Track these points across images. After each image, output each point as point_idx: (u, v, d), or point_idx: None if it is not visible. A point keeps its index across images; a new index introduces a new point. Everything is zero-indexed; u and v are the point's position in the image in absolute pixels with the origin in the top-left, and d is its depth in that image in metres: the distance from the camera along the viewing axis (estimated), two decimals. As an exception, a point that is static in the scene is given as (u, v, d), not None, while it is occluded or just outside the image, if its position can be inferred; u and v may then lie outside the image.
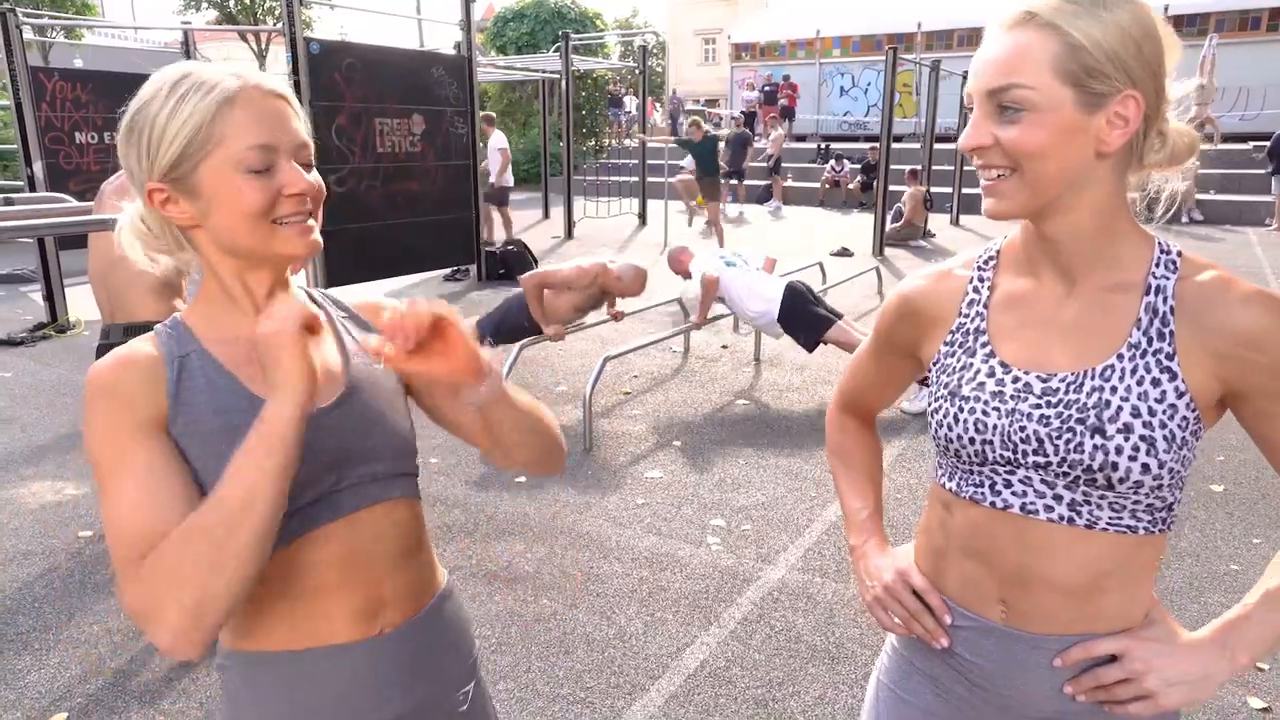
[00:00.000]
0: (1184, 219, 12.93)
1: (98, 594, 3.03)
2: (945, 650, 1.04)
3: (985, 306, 1.00)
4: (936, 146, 13.44)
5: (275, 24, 18.30)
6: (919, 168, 12.11)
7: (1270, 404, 0.90)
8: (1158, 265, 0.92)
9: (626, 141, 19.02)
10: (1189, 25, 17.75)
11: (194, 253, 0.98)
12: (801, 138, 20.54)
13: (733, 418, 4.80)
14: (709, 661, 2.64)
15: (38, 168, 7.12)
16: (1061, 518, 0.93)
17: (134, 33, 19.08)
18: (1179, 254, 0.93)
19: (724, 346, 6.26)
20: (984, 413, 0.96)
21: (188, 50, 9.02)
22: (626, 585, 3.07)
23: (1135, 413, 0.89)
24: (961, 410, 0.97)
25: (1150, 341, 0.90)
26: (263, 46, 20.87)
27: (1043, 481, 0.93)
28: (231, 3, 20.54)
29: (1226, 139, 15.19)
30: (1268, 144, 12.30)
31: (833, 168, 16.31)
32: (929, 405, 1.04)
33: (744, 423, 4.72)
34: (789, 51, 23.02)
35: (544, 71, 13.04)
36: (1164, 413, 0.89)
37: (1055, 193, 0.90)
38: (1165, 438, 0.88)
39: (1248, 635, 0.92)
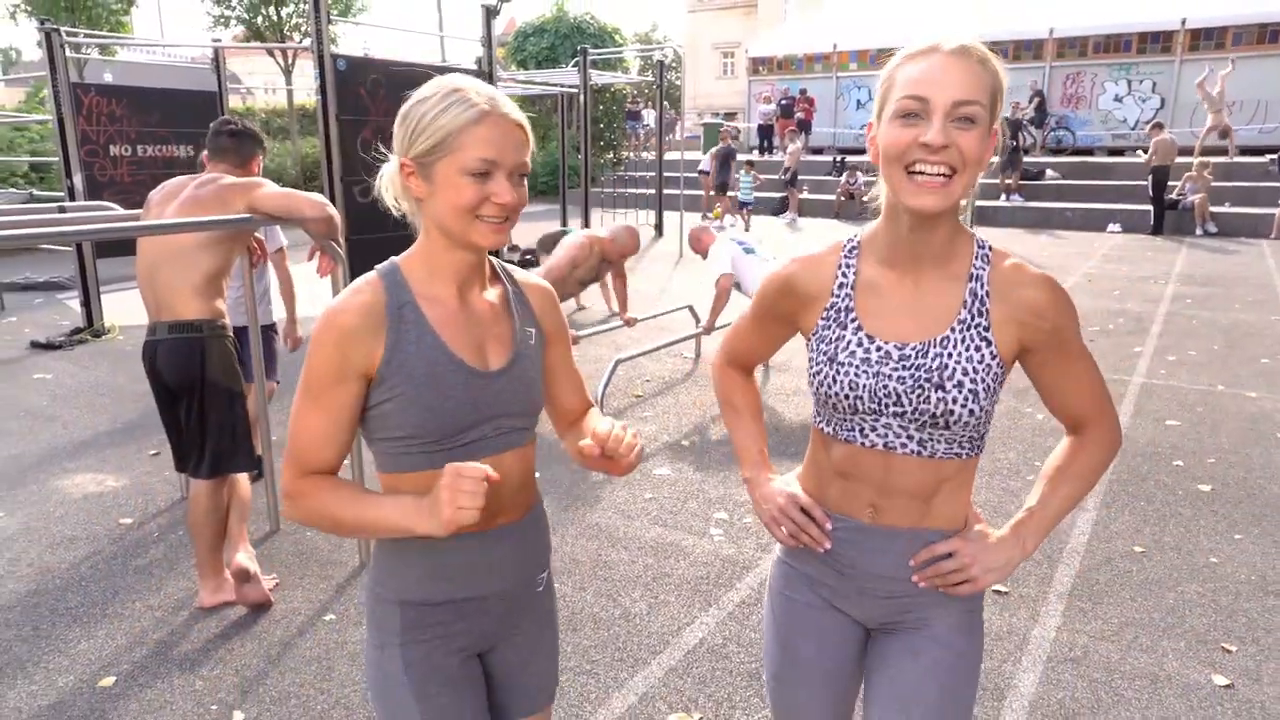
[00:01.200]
0: (1198, 230, 12.96)
1: (139, 575, 3.25)
2: (832, 559, 1.33)
3: (853, 289, 1.25)
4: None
5: (302, 40, 18.75)
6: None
7: (1048, 355, 1.22)
8: (977, 258, 1.21)
9: (644, 154, 19.28)
10: (1206, 39, 17.86)
11: (420, 216, 1.25)
12: (818, 150, 20.70)
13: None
14: (707, 639, 2.81)
15: (78, 179, 7.43)
16: (913, 451, 1.23)
17: (163, 49, 19.61)
18: (990, 248, 1.22)
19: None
20: (855, 375, 1.22)
21: (218, 66, 9.33)
22: (632, 571, 3.25)
23: (965, 373, 1.18)
24: (838, 373, 1.23)
25: (973, 318, 1.19)
26: (289, 62, 21.32)
27: (900, 426, 1.22)
28: (259, 20, 21.00)
29: (1244, 151, 15.25)
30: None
31: (847, 180, 16.46)
32: (810, 369, 1.29)
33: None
34: (806, 65, 23.20)
35: (563, 86, 13.31)
36: (983, 371, 1.18)
37: (966, 195, 1.12)
38: (984, 390, 1.18)
39: (1030, 529, 1.27)
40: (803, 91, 21.64)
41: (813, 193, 17.12)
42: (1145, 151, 13.20)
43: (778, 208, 16.48)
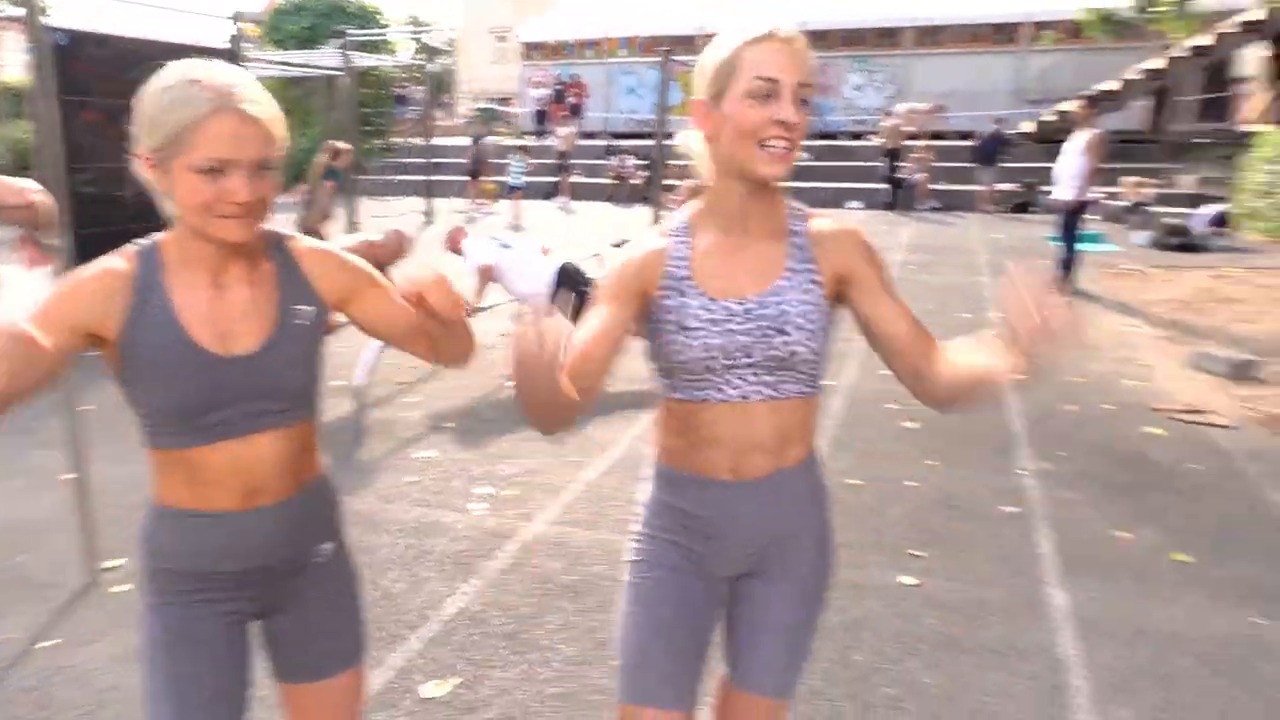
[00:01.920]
0: (924, 206, 14.58)
1: None
2: (685, 514, 1.41)
3: (688, 260, 1.35)
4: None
5: (12, 8, 16.45)
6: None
7: (866, 288, 1.36)
8: (792, 217, 1.36)
9: (415, 140, 18.78)
10: (930, 36, 19.97)
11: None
12: (591, 135, 21.09)
13: (507, 399, 5.08)
14: (467, 608, 2.90)
15: None
16: (768, 395, 1.34)
17: None
18: (800, 207, 1.39)
19: (502, 334, 6.51)
20: (708, 337, 1.31)
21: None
22: (394, 553, 3.27)
23: (800, 315, 1.31)
24: (690, 338, 1.31)
25: (800, 267, 1.34)
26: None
27: (753, 375, 1.32)
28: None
29: (964, 136, 17.30)
30: (976, 143, 14.21)
31: (618, 163, 16.93)
32: (657, 342, 1.36)
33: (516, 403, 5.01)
34: (578, 51, 23.51)
35: (324, 69, 12.66)
36: (815, 312, 1.33)
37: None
38: (820, 329, 1.34)
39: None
40: (574, 76, 21.92)
41: (586, 176, 17.47)
42: (879, 136, 14.62)
43: (550, 191, 16.67)
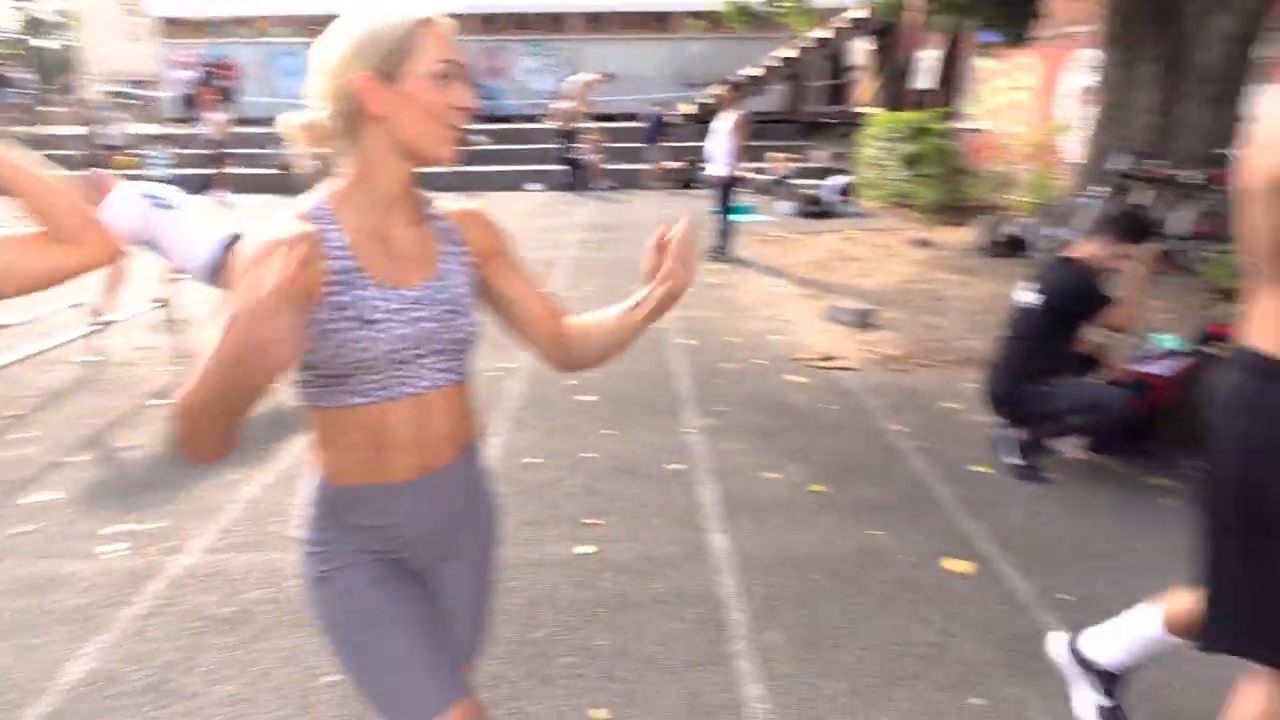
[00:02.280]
0: (600, 186, 15.18)
1: None
2: (374, 529, 1.35)
3: (348, 250, 1.24)
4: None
5: None
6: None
7: (503, 267, 1.42)
8: (428, 206, 1.36)
9: (14, 129, 15.93)
10: (598, 23, 20.78)
11: None
12: (252, 121, 19.32)
13: (151, 420, 4.48)
14: (98, 669, 2.50)
15: None
16: (450, 382, 1.34)
17: None
18: (433, 197, 1.38)
19: (140, 348, 5.74)
20: (395, 327, 1.25)
21: None
22: (2, 620, 2.74)
23: (466, 296, 1.34)
24: (378, 331, 1.23)
25: (453, 249, 1.35)
26: None
27: (435, 361, 1.31)
28: None
29: (631, 117, 18.23)
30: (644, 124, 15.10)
31: (278, 151, 15.68)
32: (331, 342, 1.21)
33: (163, 423, 4.44)
34: (228, 29, 21.35)
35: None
36: (472, 292, 1.37)
37: None
38: (476, 309, 1.37)
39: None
40: (223, 57, 19.90)
41: (245, 167, 15.98)
42: (550, 119, 14.94)
43: (204, 184, 15.03)
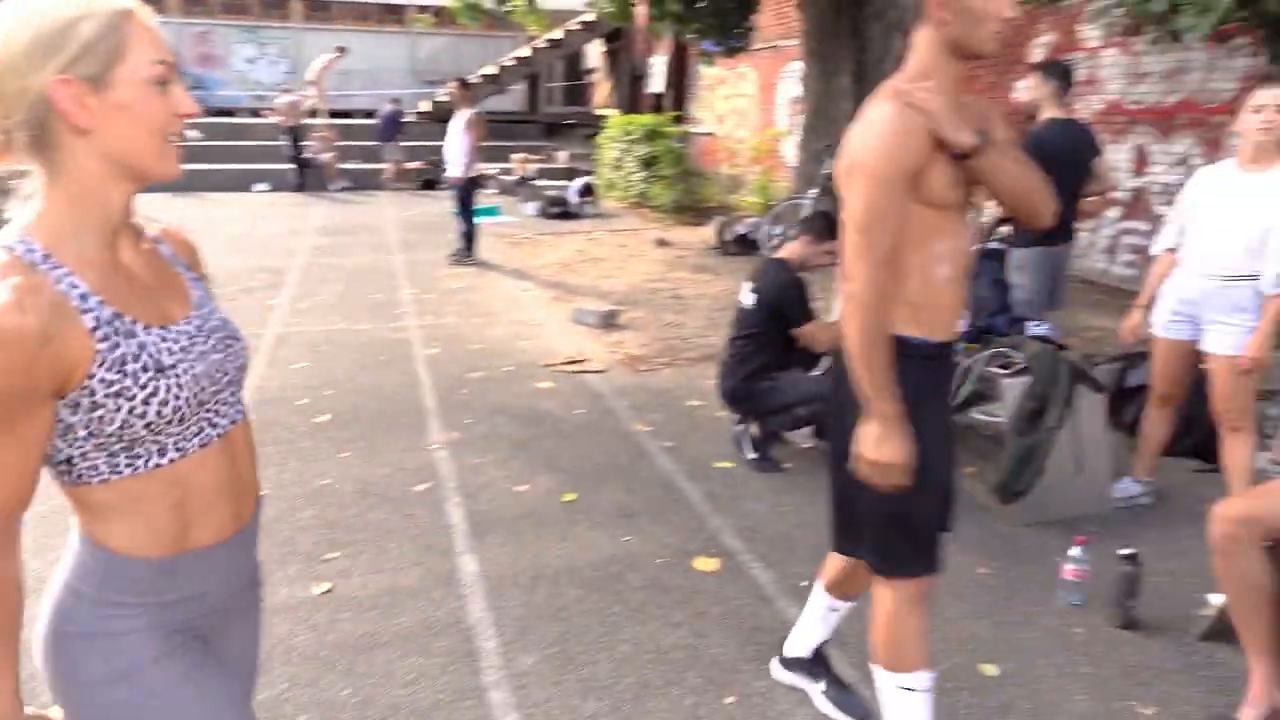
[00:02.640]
0: (332, 186, 14.29)
1: None
2: (187, 601, 1.15)
3: (96, 295, 1.02)
4: None
5: None
6: None
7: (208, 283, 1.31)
8: (143, 226, 1.17)
9: None
10: (321, 11, 19.52)
11: None
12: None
13: None
14: None
15: None
16: (241, 414, 1.22)
17: None
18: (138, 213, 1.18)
19: None
20: (191, 367, 1.10)
21: None
22: None
23: (228, 319, 1.22)
24: (179, 377, 1.07)
25: (189, 274, 1.21)
26: None
27: (229, 395, 1.18)
28: None
29: (369, 114, 17.32)
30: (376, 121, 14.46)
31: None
32: (125, 401, 1.02)
33: None
34: None
35: None
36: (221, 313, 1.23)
37: None
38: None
39: None
40: None
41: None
42: (275, 113, 13.83)
43: None
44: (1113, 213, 7.71)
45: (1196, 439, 3.91)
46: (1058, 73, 4.08)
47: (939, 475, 1.84)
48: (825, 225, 3.72)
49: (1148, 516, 3.44)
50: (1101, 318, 6.35)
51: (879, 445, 1.72)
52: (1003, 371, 3.22)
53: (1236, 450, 3.05)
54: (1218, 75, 6.77)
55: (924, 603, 1.90)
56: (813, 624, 2.31)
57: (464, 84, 8.04)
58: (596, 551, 3.15)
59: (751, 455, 3.88)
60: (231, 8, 19.17)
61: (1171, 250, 3.20)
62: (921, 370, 1.78)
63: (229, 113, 18.32)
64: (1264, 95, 2.82)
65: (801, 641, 2.35)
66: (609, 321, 6.18)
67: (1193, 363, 3.15)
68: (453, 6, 10.52)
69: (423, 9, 16.49)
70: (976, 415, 3.85)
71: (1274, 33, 4.58)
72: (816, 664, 2.35)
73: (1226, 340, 2.97)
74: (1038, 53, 8.44)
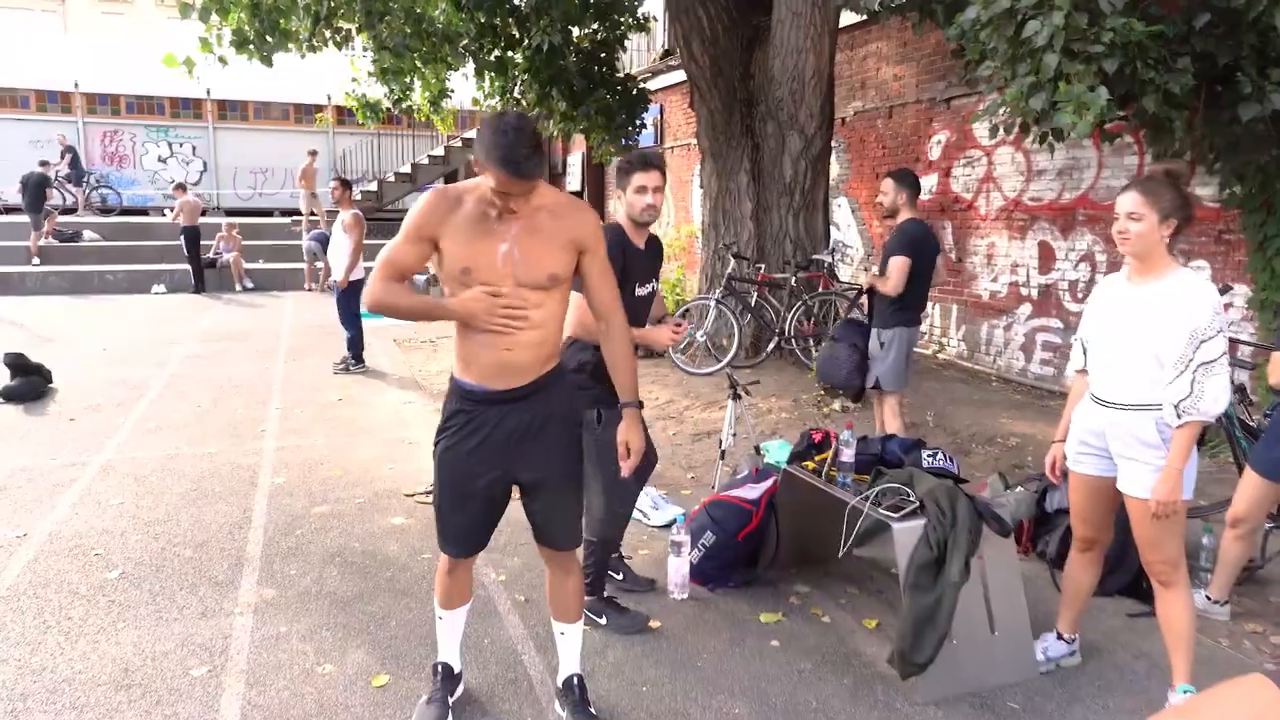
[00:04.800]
0: (237, 287, 13.61)
1: None
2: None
3: None
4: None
5: None
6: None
7: None
8: None
9: None
10: (232, 110, 19.18)
11: None
12: None
13: None
14: None
15: None
16: None
17: None
18: None
19: None
20: None
21: None
22: None
23: None
24: None
25: None
26: None
27: None
28: None
29: (235, 213, 16.94)
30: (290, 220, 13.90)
31: None
32: None
33: None
34: None
35: None
36: None
37: None
38: None
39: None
40: None
41: None
42: (175, 213, 13.21)
43: None
44: (1024, 309, 7.50)
45: (1125, 577, 3.44)
46: (909, 181, 4.56)
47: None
48: None
49: (1077, 680, 2.90)
50: (1021, 421, 5.97)
51: None
52: (893, 515, 2.71)
53: (1171, 610, 2.55)
54: (1108, 173, 6.67)
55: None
56: None
57: (343, 182, 7.56)
58: (399, 762, 2.47)
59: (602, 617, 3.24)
60: (142, 107, 18.73)
61: (1083, 371, 2.77)
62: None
63: (143, 211, 17.78)
64: (1121, 201, 2.47)
65: None
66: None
67: (1113, 500, 2.67)
68: (353, 106, 10.17)
69: (320, 109, 16.22)
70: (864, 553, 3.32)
71: (1155, 133, 4.42)
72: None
73: (1137, 481, 2.50)
74: (934, 150, 8.37)
